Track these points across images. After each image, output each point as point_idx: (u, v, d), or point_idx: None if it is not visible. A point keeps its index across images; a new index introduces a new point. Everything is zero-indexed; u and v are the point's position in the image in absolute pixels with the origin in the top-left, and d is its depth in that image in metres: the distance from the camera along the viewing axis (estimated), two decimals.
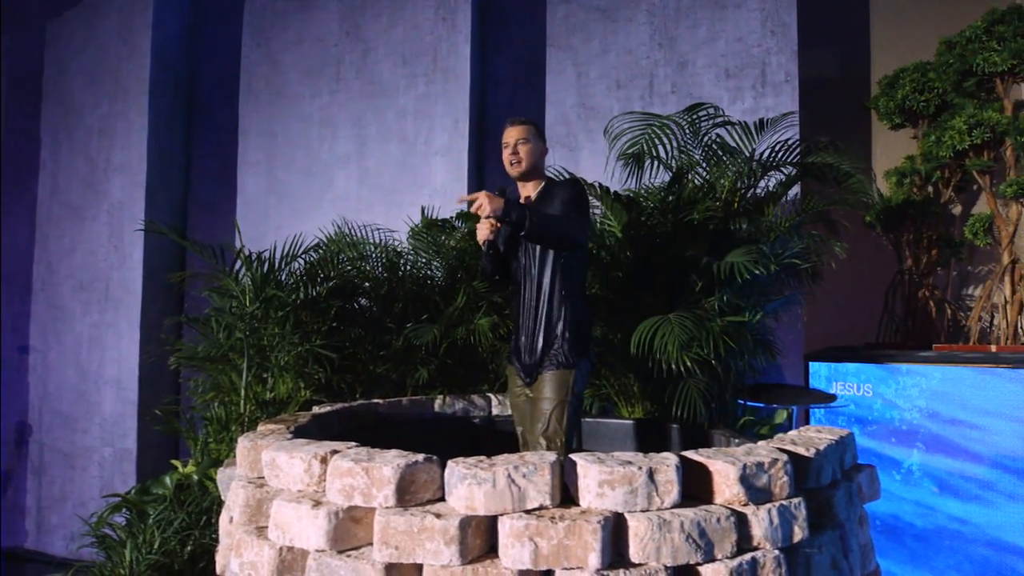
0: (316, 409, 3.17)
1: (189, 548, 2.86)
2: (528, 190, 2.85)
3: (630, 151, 3.47)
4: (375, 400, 3.42)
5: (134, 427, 4.91)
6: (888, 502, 3.83)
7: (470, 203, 2.57)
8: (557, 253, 2.71)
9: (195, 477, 3.30)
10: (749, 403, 3.67)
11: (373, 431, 3.23)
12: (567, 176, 3.71)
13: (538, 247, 2.71)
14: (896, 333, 4.57)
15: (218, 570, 2.52)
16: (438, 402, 3.50)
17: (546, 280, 2.70)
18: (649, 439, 3.25)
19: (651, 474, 1.86)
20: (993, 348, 4.06)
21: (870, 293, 4.76)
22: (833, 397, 3.70)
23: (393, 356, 3.70)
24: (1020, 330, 4.12)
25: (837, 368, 4.06)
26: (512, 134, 2.79)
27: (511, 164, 2.79)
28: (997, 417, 3.59)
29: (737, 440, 2.78)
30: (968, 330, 4.31)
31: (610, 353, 3.59)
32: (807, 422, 4.10)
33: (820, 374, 4.09)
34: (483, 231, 2.72)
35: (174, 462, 3.64)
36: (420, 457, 1.98)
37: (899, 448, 3.85)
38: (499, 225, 2.72)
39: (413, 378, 3.67)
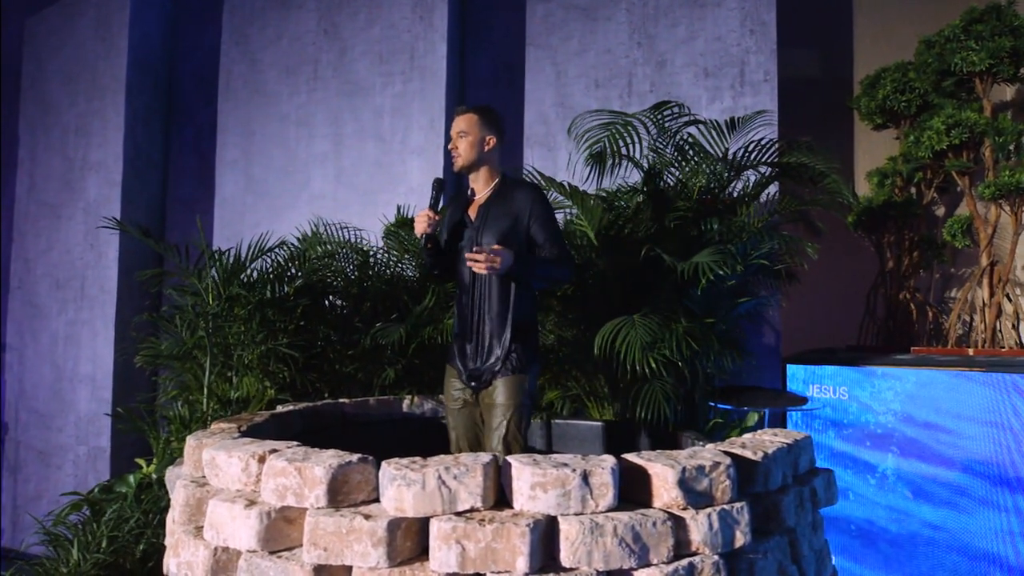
0: (279, 408, 3.14)
1: (142, 547, 2.83)
2: (478, 184, 2.70)
3: (592, 150, 3.43)
4: (342, 400, 3.38)
5: (108, 426, 4.89)
6: (863, 507, 3.78)
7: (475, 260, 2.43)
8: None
9: (155, 476, 3.27)
10: (720, 406, 3.62)
11: (338, 432, 3.19)
12: (534, 178, 3.67)
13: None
14: (877, 335, 4.52)
15: (164, 570, 2.48)
16: (406, 403, 3.46)
17: (496, 287, 2.58)
18: (618, 441, 3.21)
19: (585, 476, 1.82)
20: (971, 351, 4.01)
21: (852, 295, 4.71)
22: (805, 400, 3.65)
23: (361, 355, 3.67)
24: (998, 333, 4.07)
25: (814, 371, 4.01)
26: (454, 125, 2.65)
27: (453, 158, 2.66)
28: (970, 421, 3.54)
29: (701, 443, 2.74)
30: (947, 333, 4.26)
31: (579, 354, 3.55)
32: (784, 425, 4.05)
33: (797, 377, 4.04)
34: (420, 224, 2.58)
35: (139, 460, 3.61)
36: (354, 457, 1.94)
37: (874, 452, 3.80)
38: (436, 217, 2.60)
39: (380, 378, 3.63)
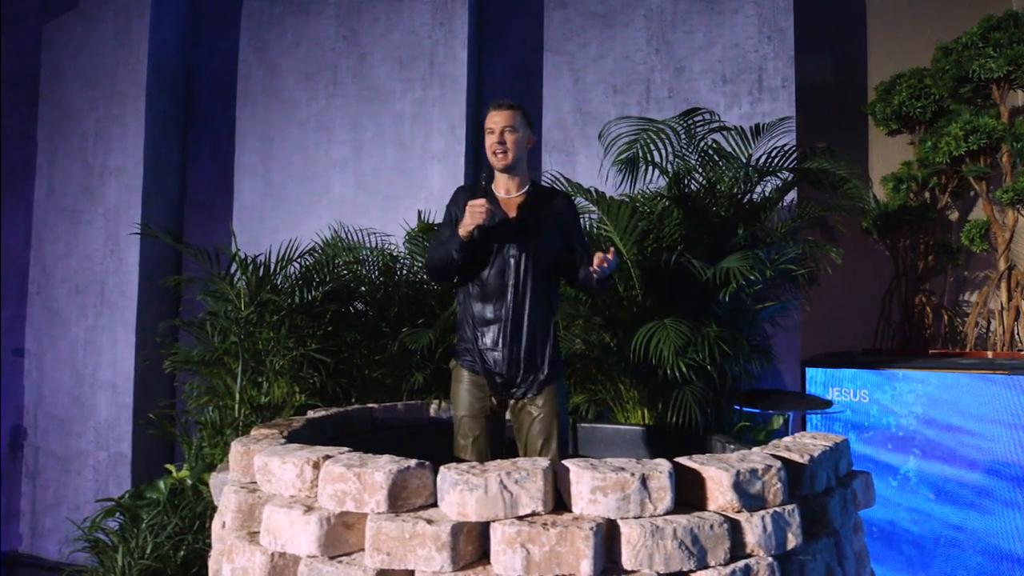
0: (311, 414, 3.16)
1: (182, 553, 2.85)
2: (509, 185, 2.59)
3: (624, 156, 3.46)
4: (370, 405, 3.41)
5: (129, 431, 4.89)
6: (884, 509, 3.82)
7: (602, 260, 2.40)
8: (551, 268, 2.60)
9: (189, 482, 3.29)
10: (745, 409, 3.66)
11: (368, 436, 3.22)
12: (562, 185, 3.68)
13: (525, 255, 2.51)
14: (893, 339, 4.57)
15: (210, 575, 2.50)
16: (433, 407, 3.48)
17: (539, 291, 2.52)
18: (646, 445, 3.24)
19: (644, 480, 1.85)
20: (989, 354, 4.06)
21: (867, 299, 4.76)
22: (829, 403, 3.69)
23: (388, 361, 3.70)
24: (1017, 336, 4.12)
25: (834, 374, 4.05)
26: (498, 119, 2.52)
27: (495, 154, 2.53)
28: (993, 423, 3.59)
29: (733, 446, 2.77)
30: (964, 336, 4.31)
31: (606, 358, 3.58)
32: (803, 428, 4.09)
33: (817, 380, 4.08)
34: (478, 216, 2.37)
35: (168, 466, 3.63)
36: (412, 462, 1.97)
37: (895, 454, 3.84)
38: (493, 211, 2.43)
39: (408, 383, 3.66)
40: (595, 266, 2.40)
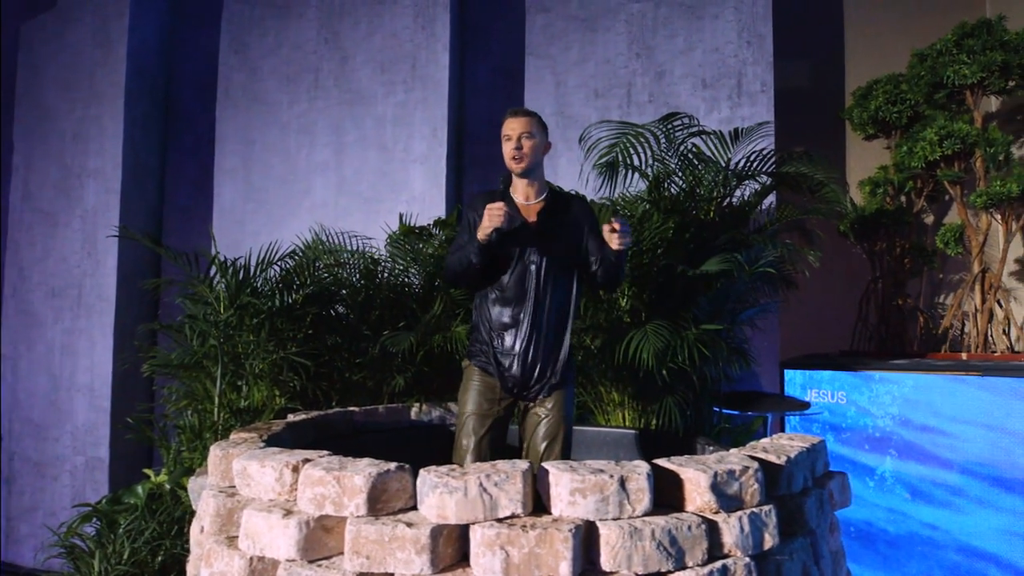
0: (291, 417, 3.15)
1: (160, 558, 2.82)
2: (527, 190, 2.62)
3: (604, 160, 3.49)
4: (351, 408, 3.40)
5: (107, 435, 4.84)
6: (862, 508, 3.86)
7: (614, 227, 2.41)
8: (572, 274, 2.62)
9: (167, 486, 3.26)
10: (724, 411, 3.69)
11: (349, 440, 3.21)
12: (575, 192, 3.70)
13: (545, 261, 2.55)
14: (870, 341, 4.63)
15: None
16: (415, 410, 3.48)
17: (558, 296, 2.56)
18: (629, 447, 3.25)
19: (623, 482, 1.86)
20: (964, 356, 4.13)
21: (845, 301, 4.82)
22: (807, 404, 3.73)
23: (369, 364, 3.68)
24: (990, 338, 4.18)
25: (812, 376, 4.09)
26: (515, 126, 2.55)
27: (514, 159, 2.54)
28: (967, 424, 3.64)
29: (713, 448, 2.80)
30: (940, 338, 4.37)
31: (587, 361, 3.60)
32: (782, 429, 4.13)
33: (795, 382, 4.13)
34: (496, 218, 2.39)
35: (147, 471, 3.59)
36: (392, 466, 1.97)
37: (872, 455, 3.89)
38: (511, 213, 2.47)
39: (389, 386, 3.66)
40: (607, 234, 2.41)
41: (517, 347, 2.55)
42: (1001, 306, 4.18)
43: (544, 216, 2.61)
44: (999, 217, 4.12)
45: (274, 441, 2.63)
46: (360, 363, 3.71)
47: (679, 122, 3.52)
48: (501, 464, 1.94)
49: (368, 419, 3.39)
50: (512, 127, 2.56)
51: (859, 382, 3.94)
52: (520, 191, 2.64)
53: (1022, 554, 3.51)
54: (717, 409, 3.70)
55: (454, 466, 1.96)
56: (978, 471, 3.61)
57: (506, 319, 2.57)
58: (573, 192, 2.98)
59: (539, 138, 2.58)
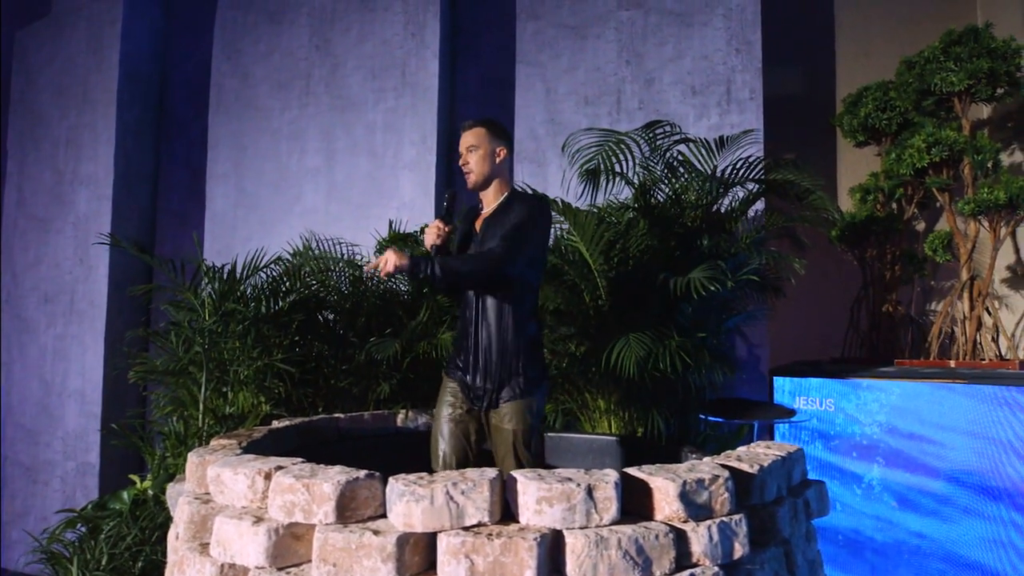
0: (275, 424, 3.16)
1: (140, 564, 2.83)
2: (488, 197, 2.62)
3: (587, 167, 3.49)
4: (336, 415, 3.41)
5: (97, 441, 4.86)
6: (849, 517, 3.85)
7: (376, 267, 2.42)
8: (525, 279, 2.56)
9: (151, 492, 3.27)
10: (710, 418, 3.68)
11: (334, 446, 3.21)
12: (532, 192, 3.71)
13: None
14: (861, 348, 4.62)
15: None
16: (400, 417, 3.48)
17: (493, 310, 2.53)
18: (614, 455, 3.25)
19: (590, 491, 1.86)
20: (952, 363, 4.11)
21: (836, 308, 4.81)
22: (793, 412, 3.72)
23: (355, 370, 3.69)
24: (979, 345, 4.17)
25: (801, 383, 4.08)
26: (463, 141, 2.57)
27: (464, 175, 2.59)
28: (953, 432, 3.63)
29: (697, 456, 2.79)
30: (930, 345, 4.36)
31: (572, 367, 3.60)
32: (771, 437, 4.12)
33: (784, 389, 4.12)
34: (431, 235, 2.50)
35: (132, 477, 3.60)
36: (362, 473, 1.97)
37: (860, 463, 3.88)
38: (447, 228, 2.52)
39: (375, 392, 3.66)
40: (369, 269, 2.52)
41: (469, 358, 2.58)
42: (990, 313, 4.17)
43: (487, 221, 2.60)
44: (987, 224, 4.11)
45: (254, 448, 2.64)
46: (346, 370, 3.72)
47: (661, 130, 3.53)
48: (469, 472, 1.94)
49: (353, 425, 3.39)
50: (462, 142, 2.59)
51: (847, 389, 3.93)
52: (485, 201, 2.65)
53: (1008, 563, 3.49)
54: (703, 417, 3.70)
55: (423, 474, 1.96)
56: (964, 479, 3.60)
57: (459, 328, 2.65)
58: (541, 195, 2.90)
59: (488, 147, 2.55)
